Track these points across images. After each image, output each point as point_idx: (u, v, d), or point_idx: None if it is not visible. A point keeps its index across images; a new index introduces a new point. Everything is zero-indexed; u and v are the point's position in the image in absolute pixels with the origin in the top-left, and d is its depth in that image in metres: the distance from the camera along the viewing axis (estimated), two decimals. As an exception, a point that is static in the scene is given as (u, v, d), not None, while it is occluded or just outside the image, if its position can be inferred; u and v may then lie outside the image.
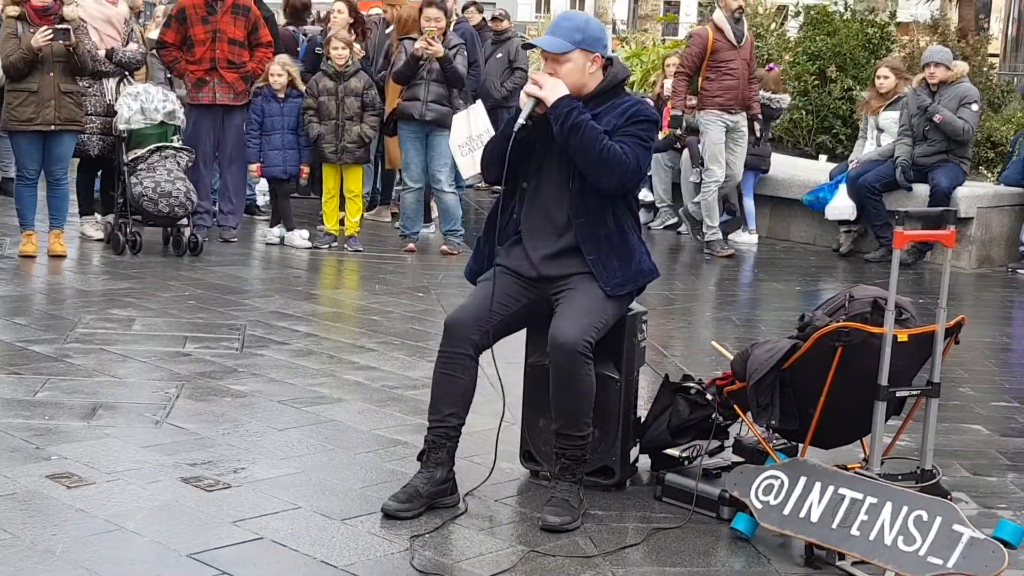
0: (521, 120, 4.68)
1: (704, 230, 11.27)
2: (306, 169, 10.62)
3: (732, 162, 11.21)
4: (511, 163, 4.72)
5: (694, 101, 11.23)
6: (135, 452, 5.16)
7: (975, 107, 11.03)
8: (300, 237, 10.50)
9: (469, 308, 4.78)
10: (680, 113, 11.17)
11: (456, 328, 4.72)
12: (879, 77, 11.51)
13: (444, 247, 10.48)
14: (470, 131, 10.09)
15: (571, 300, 4.70)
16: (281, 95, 10.43)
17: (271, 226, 10.74)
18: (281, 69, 10.43)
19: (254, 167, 10.58)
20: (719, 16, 11.09)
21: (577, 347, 4.58)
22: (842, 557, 4.32)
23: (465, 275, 5.10)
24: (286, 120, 10.44)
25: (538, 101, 4.70)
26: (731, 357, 4.98)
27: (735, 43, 10.96)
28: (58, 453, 5.09)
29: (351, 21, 11.52)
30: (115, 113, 9.70)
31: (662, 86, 12.80)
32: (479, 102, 10.57)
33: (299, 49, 11.99)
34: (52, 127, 9.17)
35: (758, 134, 11.36)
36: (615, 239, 4.79)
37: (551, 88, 4.69)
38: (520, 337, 5.03)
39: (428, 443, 4.74)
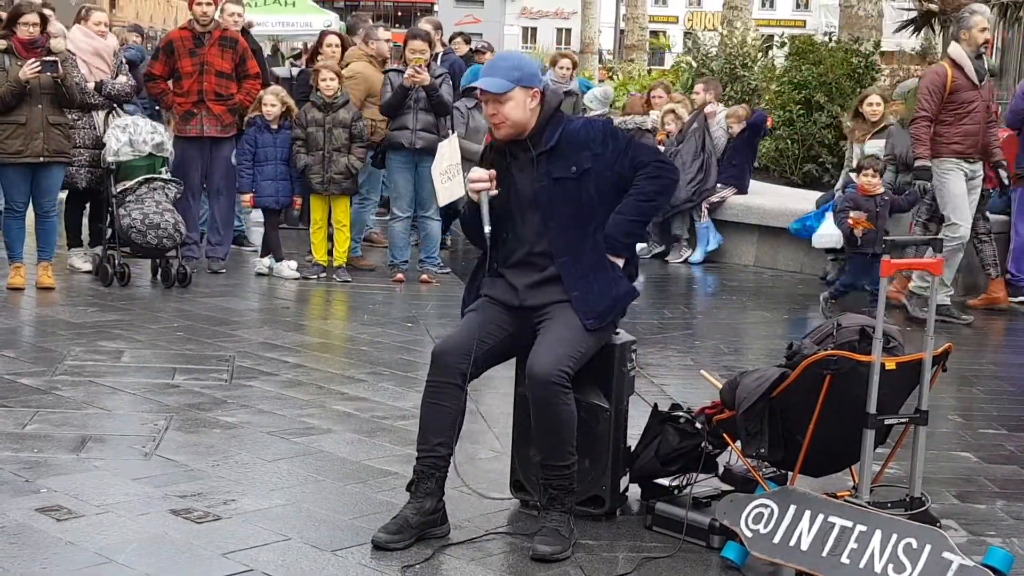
0: (487, 228, 4.77)
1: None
2: (298, 200, 10.65)
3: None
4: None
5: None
6: (124, 484, 5.15)
7: None
8: (288, 268, 10.50)
9: (456, 338, 4.80)
10: (929, 164, 9.65)
11: (443, 358, 4.74)
12: (870, 104, 11.36)
13: (423, 276, 10.49)
14: (451, 160, 10.13)
15: (548, 330, 4.73)
16: (274, 126, 10.43)
17: (260, 257, 10.75)
18: (275, 99, 10.43)
19: (247, 197, 10.56)
20: (958, 51, 9.66)
21: (551, 377, 4.59)
22: (832, 585, 4.32)
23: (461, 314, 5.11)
24: (279, 151, 10.42)
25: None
26: (720, 386, 4.99)
27: (976, 82, 9.64)
28: (47, 486, 5.08)
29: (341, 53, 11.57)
30: (103, 145, 9.72)
31: (647, 115, 12.87)
32: (454, 134, 10.60)
33: None
34: (40, 159, 9.17)
35: (1005, 182, 10.19)
36: (598, 268, 4.81)
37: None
38: (510, 367, 5.04)
39: (417, 473, 4.74)
